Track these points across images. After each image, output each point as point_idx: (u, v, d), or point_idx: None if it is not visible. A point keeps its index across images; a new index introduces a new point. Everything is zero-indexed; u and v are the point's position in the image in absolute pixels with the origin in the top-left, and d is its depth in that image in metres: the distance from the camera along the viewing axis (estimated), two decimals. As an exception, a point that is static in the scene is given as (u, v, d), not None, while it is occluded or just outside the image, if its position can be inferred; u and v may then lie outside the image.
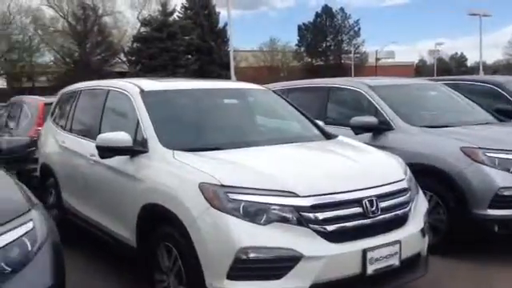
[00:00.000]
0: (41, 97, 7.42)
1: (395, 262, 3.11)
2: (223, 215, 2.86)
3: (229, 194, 2.89)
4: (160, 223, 3.26)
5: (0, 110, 9.34)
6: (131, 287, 3.89)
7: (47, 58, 37.11)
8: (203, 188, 2.96)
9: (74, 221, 4.66)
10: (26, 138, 3.40)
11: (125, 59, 37.27)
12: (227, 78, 20.17)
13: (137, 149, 3.59)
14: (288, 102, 4.73)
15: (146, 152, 3.55)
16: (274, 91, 4.96)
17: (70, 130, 4.98)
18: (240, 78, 21.58)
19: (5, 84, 37.87)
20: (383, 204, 3.13)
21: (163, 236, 3.24)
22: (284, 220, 2.88)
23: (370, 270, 2.99)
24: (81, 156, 4.40)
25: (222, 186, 2.93)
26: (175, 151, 3.38)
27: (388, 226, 3.13)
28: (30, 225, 2.30)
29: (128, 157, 3.65)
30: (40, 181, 5.47)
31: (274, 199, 2.91)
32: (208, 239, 2.90)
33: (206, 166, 3.13)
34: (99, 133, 3.95)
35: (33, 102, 7.22)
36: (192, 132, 3.86)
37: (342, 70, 41.08)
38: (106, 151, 3.64)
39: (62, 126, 5.23)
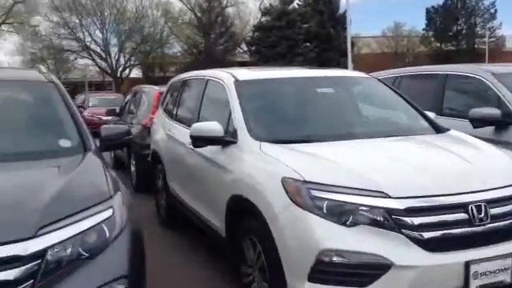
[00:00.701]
0: (157, 86, 7.83)
1: (506, 278, 2.67)
2: (305, 213, 2.68)
3: (311, 191, 2.70)
4: (245, 216, 3.19)
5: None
6: (221, 277, 3.90)
7: (176, 49, 39.61)
8: (285, 183, 2.81)
9: (178, 206, 4.83)
10: (123, 127, 3.52)
11: (246, 49, 38.28)
12: (345, 65, 19.59)
13: (227, 139, 3.55)
14: (394, 90, 4.35)
15: (235, 142, 3.49)
16: (380, 79, 4.61)
17: (175, 119, 5.16)
18: (359, 65, 20.86)
19: (140, 74, 41.30)
20: (494, 211, 2.70)
21: (248, 229, 3.17)
22: (373, 223, 2.61)
23: (474, 285, 2.60)
24: (182, 144, 4.51)
25: (305, 181, 2.75)
26: (262, 143, 3.27)
27: (498, 237, 2.70)
28: (109, 212, 2.35)
29: (220, 147, 3.63)
30: (151, 166, 5.77)
31: (362, 199, 2.65)
32: (288, 237, 2.75)
33: (291, 160, 2.97)
34: (197, 122, 4.01)
35: (150, 91, 7.65)
36: (282, 123, 3.71)
37: (475, 56, 37.63)
38: (198, 141, 3.66)
39: (168, 115, 5.45)
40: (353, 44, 21.22)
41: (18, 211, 2.14)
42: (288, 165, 2.91)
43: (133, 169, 7.26)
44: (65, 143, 3.04)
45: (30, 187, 2.37)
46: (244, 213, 3.20)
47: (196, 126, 3.69)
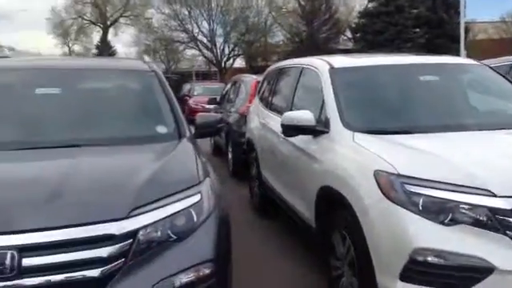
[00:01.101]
0: (255, 75, 7.92)
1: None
2: (398, 208, 2.52)
3: (406, 186, 2.53)
4: (335, 208, 3.09)
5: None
6: (317, 277, 3.83)
7: (278, 38, 39.86)
8: (378, 176, 2.66)
9: (270, 194, 4.85)
10: (216, 115, 3.61)
11: (350, 36, 37.35)
12: (457, 52, 18.26)
13: (319, 128, 3.46)
14: (508, 79, 3.93)
15: (327, 132, 3.39)
16: (493, 67, 4.19)
17: (269, 108, 5.16)
18: (474, 52, 19.31)
19: (243, 64, 42.26)
20: None
21: (338, 222, 3.07)
22: (474, 223, 2.38)
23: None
24: (274, 133, 4.51)
25: (399, 175, 2.57)
26: (355, 133, 3.14)
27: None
28: (197, 197, 2.40)
29: (311, 136, 3.56)
30: (246, 154, 5.86)
31: (463, 197, 2.42)
32: (380, 233, 2.60)
33: (385, 152, 2.81)
34: (290, 111, 3.98)
35: (248, 80, 7.77)
36: (379, 112, 3.51)
37: None
38: (289, 130, 3.61)
39: (263, 103, 5.47)
40: (467, 29, 19.67)
41: (114, 192, 2.26)
42: (381, 157, 2.75)
43: (230, 156, 7.44)
44: (162, 129, 3.17)
45: (126, 170, 2.51)
46: (334, 205, 3.10)
47: (287, 114, 3.65)
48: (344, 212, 2.93)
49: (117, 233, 2.09)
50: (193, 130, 3.32)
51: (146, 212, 2.21)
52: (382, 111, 3.52)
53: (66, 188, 2.24)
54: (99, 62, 4.02)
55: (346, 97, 3.49)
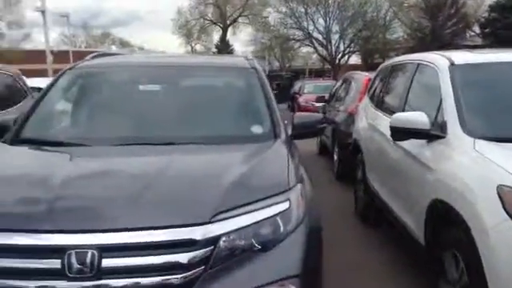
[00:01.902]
0: (367, 72, 7.48)
1: None
2: (526, 233, 2.09)
3: (538, 207, 2.08)
4: (448, 224, 2.69)
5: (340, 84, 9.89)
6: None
7: (398, 33, 38.08)
8: (502, 191, 2.24)
9: (376, 201, 4.49)
10: (317, 115, 3.36)
11: (478, 31, 34.39)
12: None
13: (434, 133, 3.05)
14: None
15: (443, 137, 2.98)
16: None
17: (378, 107, 4.78)
18: None
19: (359, 60, 41.11)
20: None
21: (450, 241, 2.67)
22: None
23: None
24: (382, 135, 4.14)
25: (529, 193, 2.13)
26: (477, 140, 2.70)
27: None
28: (286, 204, 2.20)
29: (424, 141, 3.16)
30: (351, 155, 5.53)
31: None
32: (500, 259, 2.19)
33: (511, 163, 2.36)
34: (402, 111, 3.61)
35: (359, 78, 7.36)
36: (505, 117, 2.97)
37: None
38: (399, 133, 3.25)
39: (373, 103, 5.10)
40: None
41: (199, 195, 2.15)
42: (507, 169, 2.31)
43: (335, 157, 7.13)
44: (257, 129, 3.02)
45: (214, 171, 2.38)
46: (447, 221, 2.70)
47: (398, 115, 3.29)
48: (458, 230, 2.53)
49: (199, 238, 1.97)
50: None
51: (230, 218, 2.06)
52: (509, 116, 2.99)
53: (153, 188, 2.17)
54: (201, 59, 4.00)
55: (467, 97, 3.04)
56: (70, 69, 3.59)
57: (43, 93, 3.36)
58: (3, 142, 2.88)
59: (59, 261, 1.86)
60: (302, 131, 3.15)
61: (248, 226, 2.08)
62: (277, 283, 2.04)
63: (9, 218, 2.02)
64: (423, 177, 3.08)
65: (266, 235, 2.11)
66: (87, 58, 3.87)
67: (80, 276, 1.86)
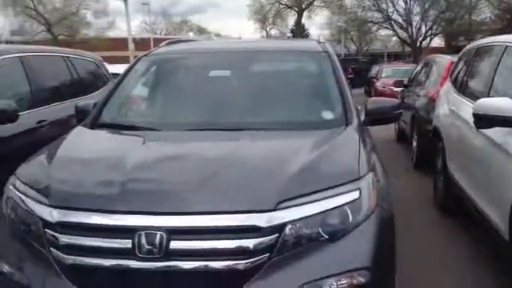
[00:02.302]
0: (450, 55, 7.03)
1: None
2: None
3: None
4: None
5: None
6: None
7: (485, 14, 35.60)
8: None
9: (456, 191, 4.24)
10: (393, 100, 3.18)
11: None
12: None
13: (522, 120, 2.80)
14: None
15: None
16: None
17: (461, 92, 4.47)
18: None
19: (441, 43, 38.98)
20: None
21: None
22: None
23: None
24: (465, 122, 3.87)
25: None
26: None
27: None
28: (355, 194, 2.12)
29: (511, 129, 2.91)
30: (431, 143, 5.25)
31: None
32: None
33: None
34: (487, 97, 3.35)
35: (441, 61, 6.94)
36: None
37: None
38: (482, 120, 3.02)
39: (455, 87, 4.78)
40: None
41: (265, 181, 2.12)
42: None
43: (414, 144, 6.81)
44: (328, 115, 2.94)
45: (282, 157, 2.34)
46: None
47: (481, 102, 3.05)
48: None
49: (263, 225, 1.94)
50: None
51: (296, 206, 2.02)
52: None
53: (220, 173, 2.17)
54: (272, 43, 3.95)
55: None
56: (145, 55, 3.69)
57: (120, 79, 3.49)
58: (83, 125, 3.03)
59: (130, 241, 1.92)
60: (375, 117, 3.02)
61: (315, 214, 2.02)
62: (345, 275, 1.97)
63: (87, 198, 2.12)
64: (509, 169, 2.85)
65: (333, 225, 2.05)
66: (162, 44, 3.96)
67: (149, 256, 1.91)
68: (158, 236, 1.91)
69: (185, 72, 3.54)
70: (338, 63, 3.31)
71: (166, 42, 4.06)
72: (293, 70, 3.48)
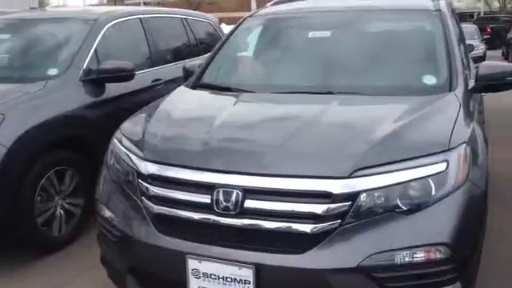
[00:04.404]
0: None
1: None
2: None
3: None
4: None
5: None
6: None
7: None
8: None
9: None
10: (509, 65, 2.83)
11: None
12: None
13: None
14: None
15: None
16: None
17: None
18: None
19: None
20: None
21: None
22: None
23: None
24: None
25: None
26: None
27: None
28: (441, 166, 1.97)
29: None
30: None
31: None
32: None
33: None
34: None
35: None
36: None
37: None
38: None
39: None
40: None
41: (342, 148, 2.07)
42: None
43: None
44: (429, 80, 2.73)
45: (366, 124, 2.26)
46: None
47: None
48: None
49: (335, 192, 1.92)
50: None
51: (374, 174, 1.95)
52: None
53: (301, 137, 2.17)
54: (380, 1, 3.70)
55: None
56: (249, 16, 3.73)
57: (223, 40, 3.59)
58: (185, 85, 3.20)
59: (209, 196, 2.03)
60: (486, 84, 2.74)
61: (394, 185, 1.94)
62: (421, 248, 1.88)
63: (175, 154, 2.27)
64: None
65: (413, 197, 1.95)
66: (267, 5, 3.96)
67: (225, 212, 2.00)
68: (234, 194, 1.99)
69: (286, 33, 3.51)
70: (450, 22, 3.04)
71: (272, 2, 4.05)
72: (397, 30, 3.25)
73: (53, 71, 3.74)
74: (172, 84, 4.55)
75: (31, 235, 3.21)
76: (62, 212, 3.43)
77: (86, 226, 3.59)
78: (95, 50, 3.95)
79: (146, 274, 2.21)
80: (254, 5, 20.83)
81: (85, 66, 3.79)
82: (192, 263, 2.03)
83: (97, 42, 4.02)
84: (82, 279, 3.05)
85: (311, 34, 3.23)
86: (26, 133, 3.13)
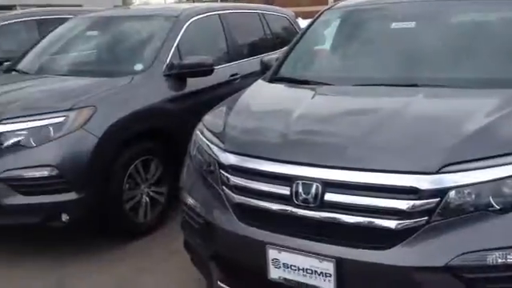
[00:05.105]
0: None
1: None
2: None
3: None
4: None
5: None
6: None
7: None
8: None
9: None
10: None
11: None
12: None
13: None
14: None
15: None
16: None
17: None
18: None
19: None
20: None
21: None
22: None
23: None
24: None
25: None
26: None
27: None
28: None
29: None
30: None
31: None
32: None
33: None
34: None
35: None
36: None
37: None
38: None
39: None
40: None
41: (430, 142, 2.00)
42: None
43: None
44: None
45: (454, 117, 2.17)
46: None
47: None
48: None
49: (423, 188, 1.86)
50: None
51: (464, 170, 1.87)
52: None
53: (384, 130, 2.12)
54: None
55: None
56: (328, 9, 3.70)
57: (301, 33, 3.59)
58: (263, 79, 3.24)
59: (289, 188, 2.05)
60: None
61: (486, 182, 1.85)
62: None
63: (255, 145, 2.31)
64: None
65: (508, 195, 1.85)
66: (347, -4, 3.89)
67: (304, 205, 2.01)
68: (314, 187, 1.99)
69: (366, 26, 3.43)
70: None
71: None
72: (487, 20, 3.06)
73: (138, 66, 3.95)
74: (248, 78, 4.66)
75: (119, 220, 3.43)
76: (147, 199, 3.62)
77: (171, 215, 3.76)
78: (177, 46, 4.11)
79: (227, 261, 2.28)
80: (331, -1, 20.51)
81: (168, 61, 3.96)
82: (272, 253, 2.06)
83: (179, 37, 4.18)
84: (167, 263, 3.21)
85: (394, 25, 3.14)
86: (115, 124, 3.33)
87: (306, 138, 2.28)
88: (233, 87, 4.41)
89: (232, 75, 4.64)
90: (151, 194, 3.66)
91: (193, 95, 4.05)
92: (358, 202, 1.94)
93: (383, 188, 1.92)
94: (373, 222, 1.91)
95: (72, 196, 3.13)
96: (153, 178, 3.67)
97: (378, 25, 3.34)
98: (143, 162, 3.56)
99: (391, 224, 1.89)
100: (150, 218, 3.65)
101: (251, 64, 4.88)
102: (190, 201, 2.48)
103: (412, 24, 3.12)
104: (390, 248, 1.86)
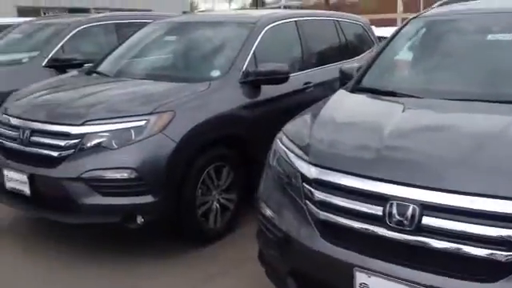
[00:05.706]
0: None
1: None
2: None
3: None
4: None
5: None
6: None
7: None
8: None
9: None
10: None
11: None
12: None
13: None
14: None
15: None
16: None
17: None
18: None
19: None
20: None
21: None
22: None
23: None
24: None
25: None
26: None
27: None
28: None
29: None
30: None
31: None
32: None
33: None
34: None
35: None
36: None
37: None
38: None
39: None
40: None
41: None
42: None
43: None
44: None
45: None
46: None
47: None
48: None
49: None
50: None
51: None
52: None
53: (487, 150, 1.96)
54: None
55: None
56: (414, 17, 3.53)
57: (386, 42, 3.44)
58: (345, 89, 3.12)
59: (381, 208, 1.92)
60: None
61: None
62: None
63: (343, 160, 2.20)
64: None
65: None
66: (434, 5, 3.71)
67: (399, 227, 1.87)
68: (411, 209, 1.85)
69: (456, 36, 3.23)
70: None
71: (439, 2, 3.78)
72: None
73: (215, 72, 3.95)
74: (322, 87, 4.55)
75: (191, 225, 3.42)
76: (217, 206, 3.60)
77: (239, 222, 3.72)
78: (254, 53, 4.08)
79: (308, 280, 2.18)
80: (400, 7, 19.88)
81: (244, 68, 3.93)
82: (360, 277, 1.94)
83: (255, 44, 4.14)
84: (238, 270, 3.18)
85: (490, 37, 2.93)
86: (193, 129, 3.34)
87: (401, 156, 2.14)
88: (306, 96, 4.34)
89: (305, 83, 4.55)
90: (221, 200, 3.64)
91: (267, 103, 3.99)
92: (459, 228, 1.79)
93: (487, 214, 1.76)
94: (477, 252, 1.75)
95: (148, 199, 3.15)
96: (224, 184, 3.65)
97: (471, 36, 3.13)
98: (215, 169, 3.55)
99: (498, 255, 1.72)
100: (219, 224, 3.63)
101: (324, 72, 4.78)
102: (268, 212, 2.40)
103: (510, 36, 2.90)
104: (495, 281, 1.70)
